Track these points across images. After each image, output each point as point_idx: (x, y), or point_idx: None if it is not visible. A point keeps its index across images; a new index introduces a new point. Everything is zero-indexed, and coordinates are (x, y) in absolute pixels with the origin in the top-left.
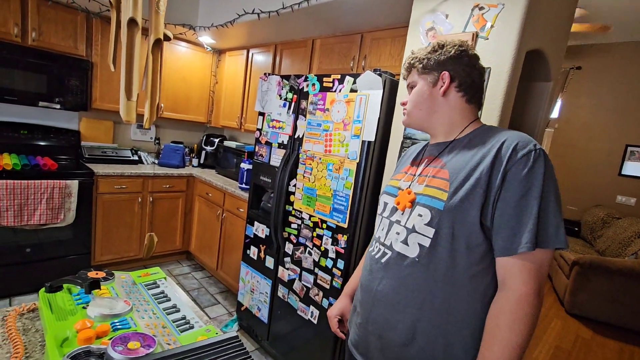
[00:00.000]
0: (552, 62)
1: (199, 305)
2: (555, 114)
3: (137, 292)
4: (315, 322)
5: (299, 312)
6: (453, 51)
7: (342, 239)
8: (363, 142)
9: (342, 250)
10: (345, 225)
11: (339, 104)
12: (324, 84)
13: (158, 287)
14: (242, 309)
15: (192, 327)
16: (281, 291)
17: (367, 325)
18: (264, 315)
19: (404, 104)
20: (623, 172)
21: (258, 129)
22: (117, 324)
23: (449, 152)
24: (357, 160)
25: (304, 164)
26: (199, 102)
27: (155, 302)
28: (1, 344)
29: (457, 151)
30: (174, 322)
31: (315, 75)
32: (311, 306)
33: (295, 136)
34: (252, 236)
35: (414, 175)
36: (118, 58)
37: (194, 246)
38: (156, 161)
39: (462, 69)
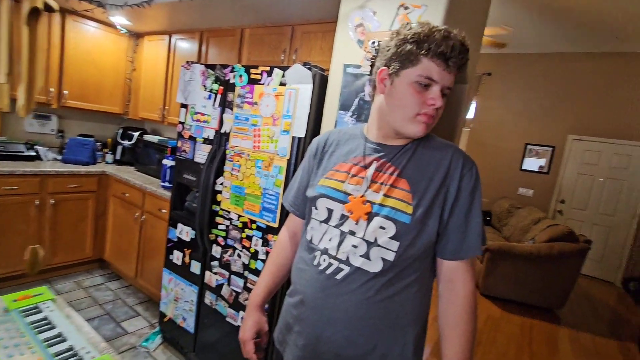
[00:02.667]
0: (469, 64)
1: (114, 319)
2: (470, 115)
3: (8, 322)
4: None
5: (228, 318)
6: None
7: (273, 239)
8: (293, 138)
9: None
10: (276, 225)
11: (268, 98)
12: (252, 76)
13: (40, 312)
14: (165, 319)
15: None
16: (208, 298)
17: (317, 346)
18: (189, 324)
19: (441, 107)
20: (523, 167)
21: (180, 122)
22: None
23: (400, 157)
24: (287, 157)
25: (232, 161)
26: (113, 90)
27: (32, 333)
28: None
29: (408, 158)
30: (56, 356)
31: (242, 65)
32: (241, 312)
33: (222, 131)
34: (175, 240)
35: (364, 179)
36: None
37: (108, 253)
38: (59, 157)
39: None
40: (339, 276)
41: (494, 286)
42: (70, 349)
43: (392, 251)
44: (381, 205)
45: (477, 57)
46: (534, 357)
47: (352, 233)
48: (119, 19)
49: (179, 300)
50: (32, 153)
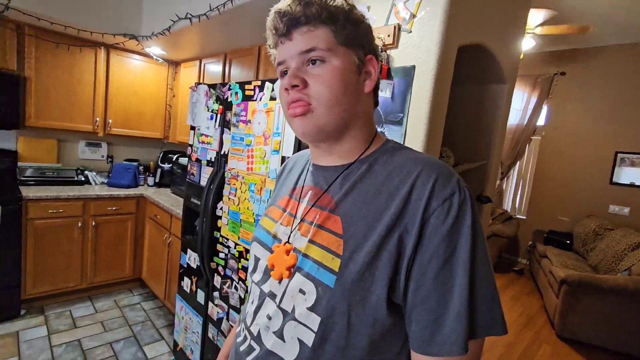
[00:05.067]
0: (503, 61)
1: (138, 342)
2: (541, 121)
3: None
4: None
5: None
6: (367, 20)
7: None
8: (283, 158)
9: None
10: None
11: (260, 115)
12: (246, 92)
13: None
14: (178, 349)
15: None
16: (211, 331)
17: None
18: (196, 358)
19: (297, 87)
20: (615, 180)
21: (190, 145)
22: None
23: (341, 184)
24: None
25: (229, 184)
26: (154, 117)
27: None
28: None
29: (351, 184)
30: None
31: (237, 82)
32: None
33: (222, 152)
34: (185, 266)
35: (294, 216)
36: None
37: (145, 273)
38: (106, 181)
39: (377, 51)
40: (249, 358)
41: (575, 327)
42: None
43: (311, 330)
44: (305, 255)
45: (518, 52)
46: None
47: (273, 297)
48: (155, 50)
49: (187, 330)
50: (82, 178)
